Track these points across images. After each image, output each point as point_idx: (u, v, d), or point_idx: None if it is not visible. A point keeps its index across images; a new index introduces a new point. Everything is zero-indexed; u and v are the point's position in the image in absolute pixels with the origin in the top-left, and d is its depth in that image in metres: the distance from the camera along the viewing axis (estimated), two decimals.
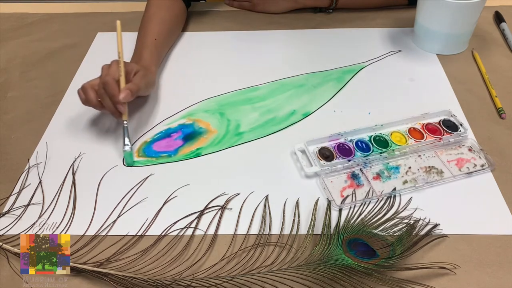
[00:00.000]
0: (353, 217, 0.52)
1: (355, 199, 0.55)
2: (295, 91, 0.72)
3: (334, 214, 0.53)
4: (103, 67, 0.63)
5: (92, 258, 0.50)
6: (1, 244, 0.51)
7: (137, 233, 0.53)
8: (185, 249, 0.51)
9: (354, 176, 0.58)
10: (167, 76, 0.76)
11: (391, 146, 0.61)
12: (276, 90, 0.72)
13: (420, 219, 0.52)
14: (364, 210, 0.53)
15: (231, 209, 0.55)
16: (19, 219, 0.55)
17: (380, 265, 0.47)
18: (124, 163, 0.61)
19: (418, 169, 0.58)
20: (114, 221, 0.54)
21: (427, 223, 0.52)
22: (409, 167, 0.59)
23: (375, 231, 0.50)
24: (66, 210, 0.56)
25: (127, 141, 0.61)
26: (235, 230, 0.53)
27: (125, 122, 0.62)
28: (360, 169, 0.59)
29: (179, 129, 0.66)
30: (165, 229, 0.53)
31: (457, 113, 0.65)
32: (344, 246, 0.48)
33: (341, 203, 0.54)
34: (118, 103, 0.61)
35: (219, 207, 0.55)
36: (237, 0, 0.92)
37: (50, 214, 0.55)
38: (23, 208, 0.56)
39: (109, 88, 0.60)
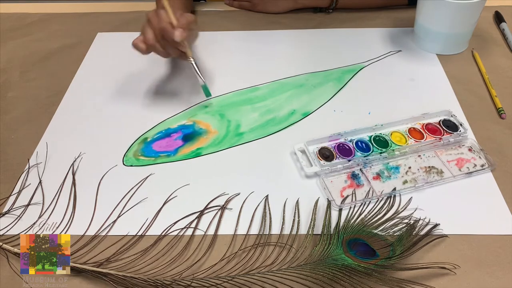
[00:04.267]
0: (353, 217, 0.52)
1: (355, 199, 0.55)
2: (295, 91, 0.72)
3: (334, 214, 0.53)
4: (149, 15, 0.63)
5: (92, 258, 0.50)
6: (1, 244, 0.51)
7: (137, 233, 0.53)
8: (185, 249, 0.51)
9: (354, 176, 0.58)
10: (167, 76, 0.76)
11: (391, 146, 0.61)
12: (276, 90, 0.72)
13: (420, 219, 0.52)
14: (364, 210, 0.53)
15: (231, 209, 0.55)
16: (19, 219, 0.55)
17: (380, 265, 0.47)
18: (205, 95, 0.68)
19: (418, 169, 0.58)
20: (114, 221, 0.54)
21: (427, 223, 0.52)
22: (409, 167, 0.59)
23: (375, 231, 0.50)
24: (66, 210, 0.56)
25: (200, 76, 0.66)
26: (235, 230, 0.53)
27: (191, 59, 0.66)
28: (360, 169, 0.59)
29: (179, 130, 0.66)
30: (165, 229, 0.53)
31: (457, 113, 0.65)
32: (344, 246, 0.48)
33: (341, 203, 0.54)
34: (179, 46, 0.63)
35: (219, 207, 0.55)
36: (237, 0, 0.92)
37: (50, 214, 0.55)
38: (23, 208, 0.56)
39: (168, 34, 0.61)
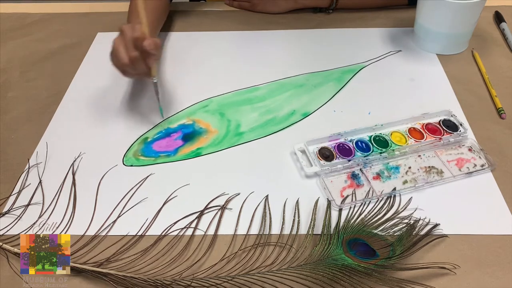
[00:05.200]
0: (353, 217, 0.52)
1: (355, 199, 0.55)
2: (295, 91, 0.72)
3: (334, 214, 0.53)
4: (123, 27, 0.61)
5: (92, 258, 0.50)
6: (1, 244, 0.51)
7: (137, 233, 0.53)
8: (185, 249, 0.51)
9: (354, 176, 0.58)
10: (167, 76, 0.76)
11: (391, 146, 0.61)
12: (276, 90, 0.72)
13: (420, 219, 0.52)
14: (364, 210, 0.53)
15: (231, 209, 0.55)
16: (19, 219, 0.55)
17: (380, 265, 0.47)
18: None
19: (418, 169, 0.58)
20: (114, 221, 0.54)
21: (427, 223, 0.52)
22: (409, 167, 0.59)
23: (375, 231, 0.50)
24: (66, 210, 0.56)
25: (158, 97, 0.66)
26: (235, 230, 0.53)
27: (154, 79, 0.64)
28: (360, 169, 0.59)
29: (179, 129, 0.66)
30: (165, 229, 0.53)
31: (457, 113, 0.65)
32: (344, 246, 0.48)
33: (341, 203, 0.54)
34: (148, 58, 0.60)
35: (219, 207, 0.55)
36: (237, 0, 0.92)
37: (50, 214, 0.55)
38: (23, 208, 0.56)
39: (141, 42, 0.58)
